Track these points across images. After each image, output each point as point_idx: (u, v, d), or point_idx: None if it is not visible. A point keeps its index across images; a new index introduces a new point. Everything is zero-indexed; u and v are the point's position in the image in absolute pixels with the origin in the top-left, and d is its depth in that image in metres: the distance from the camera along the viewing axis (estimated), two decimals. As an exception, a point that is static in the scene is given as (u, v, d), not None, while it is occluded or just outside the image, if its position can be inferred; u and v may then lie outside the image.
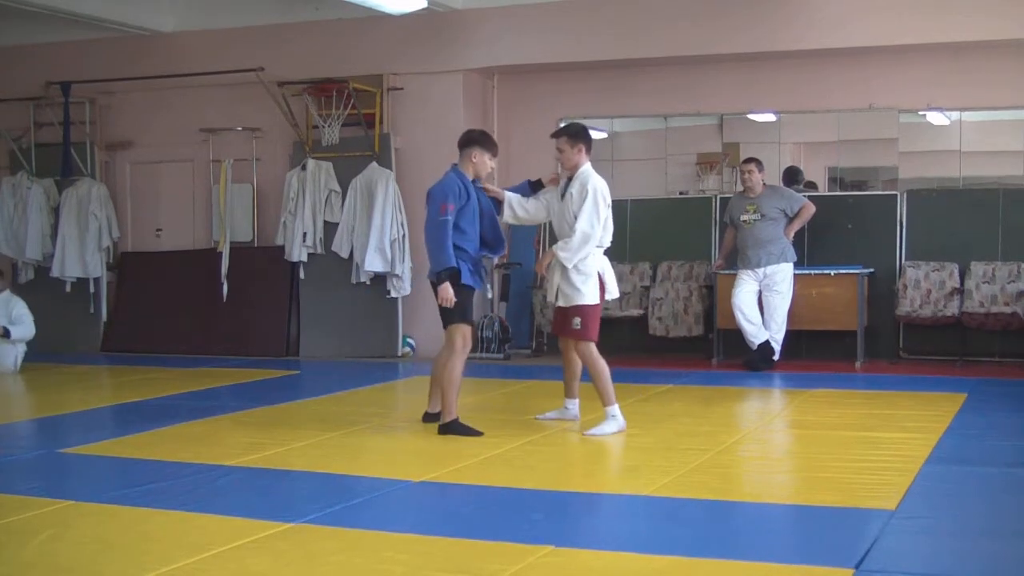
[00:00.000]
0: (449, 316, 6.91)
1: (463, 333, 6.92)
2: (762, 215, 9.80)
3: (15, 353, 10.48)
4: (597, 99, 11.35)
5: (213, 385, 9.51)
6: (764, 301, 9.83)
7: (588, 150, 6.96)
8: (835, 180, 11.00)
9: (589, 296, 6.86)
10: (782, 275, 9.77)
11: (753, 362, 9.75)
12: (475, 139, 7.05)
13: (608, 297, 6.98)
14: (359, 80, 11.22)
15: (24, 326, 10.47)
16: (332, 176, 11.40)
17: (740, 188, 10.18)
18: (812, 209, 9.89)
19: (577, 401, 7.20)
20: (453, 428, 6.80)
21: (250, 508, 5.13)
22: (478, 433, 6.73)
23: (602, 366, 6.86)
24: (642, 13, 10.69)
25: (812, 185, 10.94)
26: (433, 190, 6.97)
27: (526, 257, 11.41)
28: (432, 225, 6.88)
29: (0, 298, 10.55)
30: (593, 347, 6.91)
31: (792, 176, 10.77)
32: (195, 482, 5.71)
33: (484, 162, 7.00)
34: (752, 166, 9.93)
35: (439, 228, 6.82)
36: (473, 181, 6.99)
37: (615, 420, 6.81)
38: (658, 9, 10.65)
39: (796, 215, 9.90)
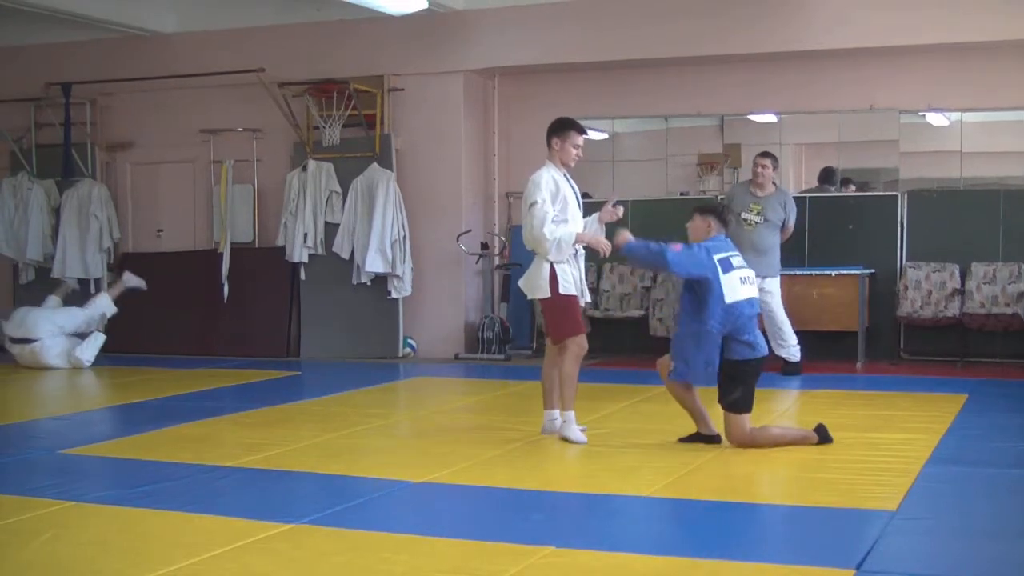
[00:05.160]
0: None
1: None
2: (765, 219, 9.46)
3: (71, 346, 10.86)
4: (598, 99, 11.34)
5: (214, 386, 9.51)
6: (765, 317, 9.30)
7: None
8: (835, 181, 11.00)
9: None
10: (768, 287, 9.36)
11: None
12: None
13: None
14: (360, 81, 11.22)
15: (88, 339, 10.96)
16: (333, 177, 11.40)
17: (747, 178, 9.85)
18: (790, 234, 9.70)
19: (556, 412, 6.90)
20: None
21: (251, 509, 5.12)
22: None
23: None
24: (643, 13, 10.69)
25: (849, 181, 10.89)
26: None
27: (526, 257, 11.38)
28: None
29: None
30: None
31: (828, 177, 10.80)
32: (195, 483, 5.71)
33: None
34: (768, 161, 9.53)
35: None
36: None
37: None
38: (659, 9, 10.64)
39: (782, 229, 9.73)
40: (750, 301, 6.34)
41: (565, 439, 6.63)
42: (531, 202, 6.70)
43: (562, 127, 6.86)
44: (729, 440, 6.36)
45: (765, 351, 6.43)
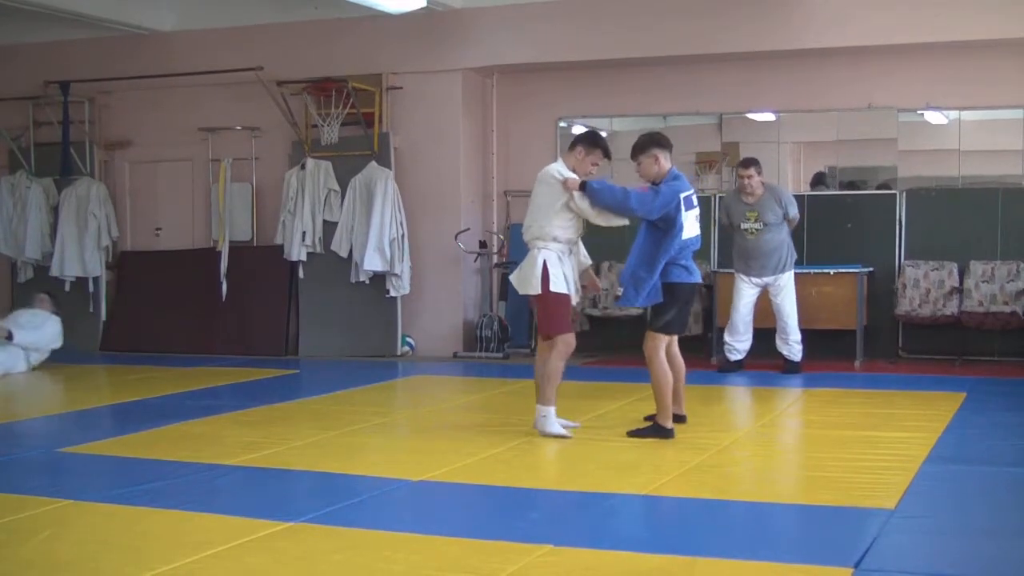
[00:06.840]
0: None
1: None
2: (764, 223, 9.46)
3: (27, 357, 10.40)
4: (596, 98, 11.34)
5: (212, 384, 9.51)
6: (774, 310, 9.57)
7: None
8: (834, 179, 10.99)
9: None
10: (783, 281, 9.53)
11: (725, 367, 9.69)
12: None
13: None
14: (358, 79, 11.22)
15: (34, 333, 10.45)
16: (331, 175, 11.40)
17: (735, 188, 9.87)
18: (796, 222, 9.76)
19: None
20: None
21: (249, 507, 5.13)
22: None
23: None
24: (641, 12, 10.69)
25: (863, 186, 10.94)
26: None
27: (524, 255, 11.38)
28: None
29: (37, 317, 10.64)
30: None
31: (819, 181, 10.88)
32: (194, 481, 5.71)
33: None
34: (752, 171, 9.50)
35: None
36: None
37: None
38: (657, 8, 10.64)
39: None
40: (696, 238, 6.89)
41: (546, 435, 6.66)
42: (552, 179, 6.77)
43: (593, 144, 6.95)
44: (644, 349, 6.83)
45: (699, 278, 6.99)
